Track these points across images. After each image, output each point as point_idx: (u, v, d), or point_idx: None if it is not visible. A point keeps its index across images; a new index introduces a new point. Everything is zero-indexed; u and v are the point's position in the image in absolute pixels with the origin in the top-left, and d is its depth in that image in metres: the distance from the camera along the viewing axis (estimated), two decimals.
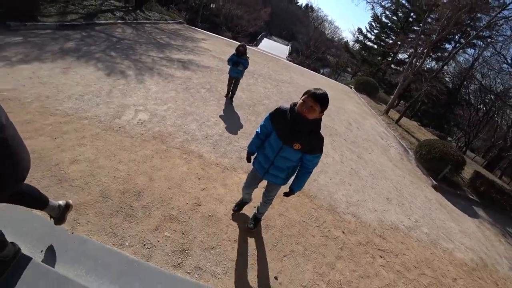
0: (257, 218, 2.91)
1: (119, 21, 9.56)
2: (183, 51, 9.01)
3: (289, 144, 2.04)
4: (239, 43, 5.66)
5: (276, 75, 11.05)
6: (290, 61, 23.40)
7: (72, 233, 2.20)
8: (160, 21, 12.34)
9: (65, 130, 3.34)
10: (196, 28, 15.19)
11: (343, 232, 3.57)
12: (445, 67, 19.97)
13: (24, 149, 1.48)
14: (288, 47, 40.77)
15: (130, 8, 12.15)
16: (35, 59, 4.85)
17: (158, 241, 2.42)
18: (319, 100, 1.84)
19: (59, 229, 2.16)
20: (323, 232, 3.40)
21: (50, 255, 1.94)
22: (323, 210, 3.82)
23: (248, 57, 5.65)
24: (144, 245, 2.34)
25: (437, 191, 6.62)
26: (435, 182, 6.80)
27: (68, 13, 8.16)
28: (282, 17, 50.56)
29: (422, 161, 7.55)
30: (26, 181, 1.58)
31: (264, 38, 40.89)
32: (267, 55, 16.17)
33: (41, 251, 1.95)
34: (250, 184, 2.65)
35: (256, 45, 31.09)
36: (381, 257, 3.44)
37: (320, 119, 1.98)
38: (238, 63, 5.49)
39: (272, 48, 31.94)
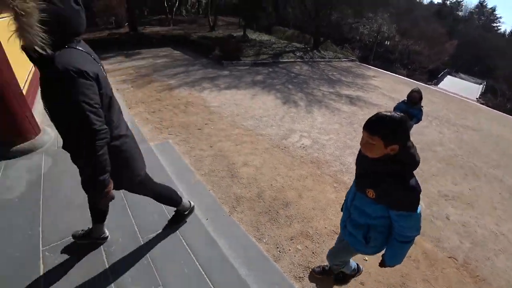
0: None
1: (298, 60, 10.98)
2: (352, 87, 9.17)
3: (361, 189, 1.49)
4: (413, 89, 4.10)
5: (457, 119, 9.15)
6: (481, 103, 18.87)
7: (229, 215, 2.75)
8: (334, 59, 13.17)
9: (244, 140, 4.19)
10: (368, 66, 15.12)
11: None
12: None
13: (138, 157, 1.69)
14: (480, 86, 33.04)
15: (308, 48, 13.71)
16: (234, 87, 6.34)
17: (289, 250, 2.54)
18: (375, 129, 1.26)
19: (222, 209, 2.80)
20: None
21: (211, 224, 2.51)
22: None
23: (422, 106, 4.16)
24: (277, 248, 2.53)
25: None
26: None
27: (261, 54, 10.22)
28: (474, 49, 41.36)
29: None
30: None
31: (447, 76, 35.11)
32: (448, 95, 13.74)
33: (206, 219, 2.56)
34: (336, 245, 2.02)
35: (436, 84, 27.21)
36: None
37: (399, 158, 1.30)
38: (409, 115, 3.98)
39: (457, 87, 26.89)
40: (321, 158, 4.23)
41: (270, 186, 3.32)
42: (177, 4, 16.93)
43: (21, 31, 0.96)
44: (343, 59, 13.88)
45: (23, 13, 0.94)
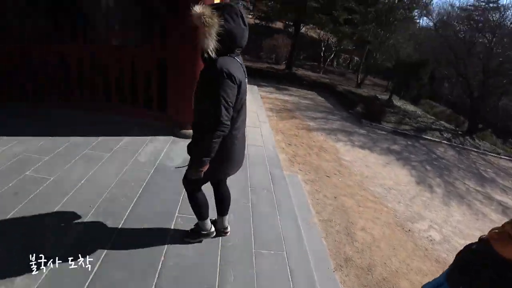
0: None
1: (444, 141, 9.85)
2: (511, 194, 7.49)
3: (452, 283, 1.32)
4: None
5: None
6: None
7: (333, 271, 2.73)
8: (491, 153, 11.10)
9: (368, 205, 4.10)
10: None
11: None
12: None
13: (239, 159, 1.88)
14: None
15: (459, 132, 12.11)
16: (368, 148, 6.30)
17: None
18: None
19: (328, 261, 2.82)
20: None
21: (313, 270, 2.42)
22: None
23: None
24: None
25: None
26: None
27: (403, 123, 9.74)
28: None
29: None
30: None
31: None
32: None
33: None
34: None
35: None
36: None
37: None
38: None
39: None
40: (450, 262, 3.65)
41: (383, 264, 3.11)
42: (332, 56, 18.25)
43: (202, 37, 1.33)
44: (503, 156, 11.51)
45: (207, 25, 1.29)
